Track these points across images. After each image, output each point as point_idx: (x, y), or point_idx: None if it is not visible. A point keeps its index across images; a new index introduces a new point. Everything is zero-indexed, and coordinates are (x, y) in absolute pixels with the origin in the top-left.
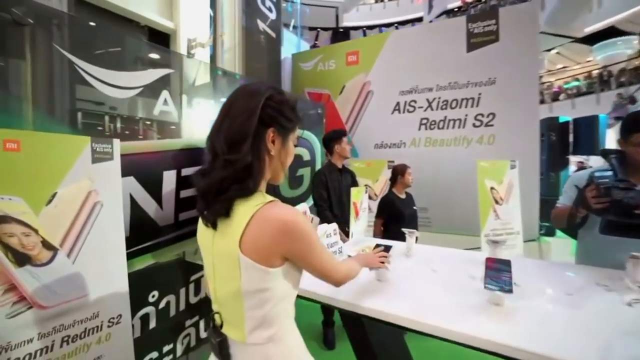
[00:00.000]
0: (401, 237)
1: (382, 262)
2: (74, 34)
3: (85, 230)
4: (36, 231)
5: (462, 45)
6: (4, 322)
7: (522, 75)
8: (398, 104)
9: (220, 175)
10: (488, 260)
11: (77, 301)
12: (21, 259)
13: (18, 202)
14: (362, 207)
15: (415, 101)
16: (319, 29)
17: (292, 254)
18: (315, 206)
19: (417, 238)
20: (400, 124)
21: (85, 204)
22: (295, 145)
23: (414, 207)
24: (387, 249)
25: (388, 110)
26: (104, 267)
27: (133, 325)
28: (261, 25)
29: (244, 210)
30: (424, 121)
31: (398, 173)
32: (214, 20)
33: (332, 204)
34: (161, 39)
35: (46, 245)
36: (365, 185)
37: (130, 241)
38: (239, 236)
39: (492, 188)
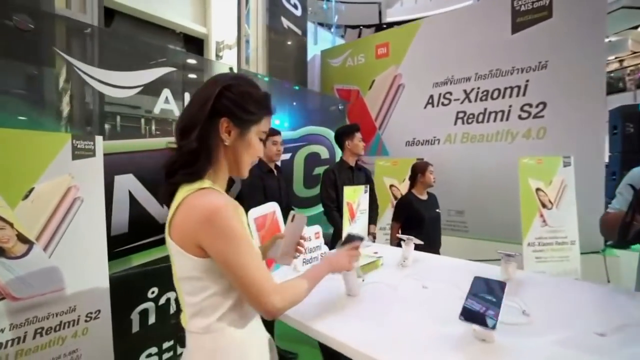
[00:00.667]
0: (423, 244)
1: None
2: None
3: (63, 225)
4: (11, 225)
5: (506, 26)
6: None
7: (583, 56)
8: (431, 97)
9: (171, 159)
10: (475, 280)
11: (52, 294)
12: None
13: None
14: (360, 208)
15: (450, 93)
16: (361, 27)
17: (209, 249)
18: (323, 206)
19: (439, 246)
20: (434, 118)
21: (64, 200)
22: (263, 140)
23: (437, 210)
24: (358, 240)
25: (420, 104)
26: (83, 263)
27: (131, 320)
28: (286, 22)
29: (179, 195)
30: (461, 115)
31: (418, 171)
32: (238, 21)
33: (340, 205)
34: (195, 44)
35: (21, 238)
36: (391, 185)
37: (129, 238)
38: (169, 220)
39: (538, 189)
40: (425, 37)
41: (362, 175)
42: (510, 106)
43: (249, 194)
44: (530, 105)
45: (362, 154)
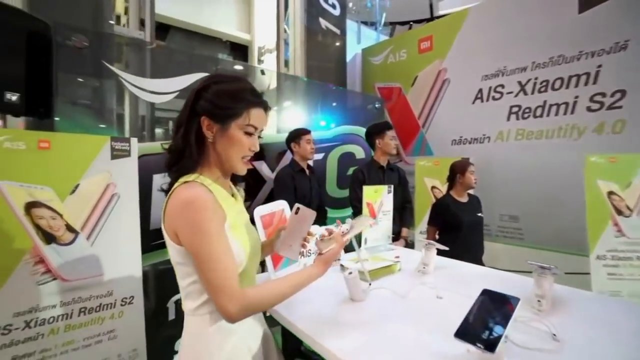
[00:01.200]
0: (460, 251)
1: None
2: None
3: (103, 218)
4: (61, 216)
5: (571, 4)
6: (35, 287)
7: None
8: (480, 91)
9: (168, 158)
10: (483, 293)
11: (93, 279)
12: (48, 238)
13: (47, 190)
14: (383, 209)
15: (502, 86)
16: (411, 22)
17: (181, 238)
18: (352, 208)
19: (481, 253)
20: (483, 114)
21: (104, 195)
22: (250, 134)
23: (479, 214)
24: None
25: (468, 99)
26: (119, 252)
27: (167, 308)
28: (324, 23)
29: (173, 189)
30: (515, 109)
31: (456, 172)
32: (277, 24)
33: None
34: (241, 51)
35: (69, 228)
36: (432, 186)
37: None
38: (163, 211)
39: (610, 193)
40: (473, 27)
41: (394, 176)
42: (576, 97)
43: (279, 192)
44: (604, 95)
45: (393, 154)
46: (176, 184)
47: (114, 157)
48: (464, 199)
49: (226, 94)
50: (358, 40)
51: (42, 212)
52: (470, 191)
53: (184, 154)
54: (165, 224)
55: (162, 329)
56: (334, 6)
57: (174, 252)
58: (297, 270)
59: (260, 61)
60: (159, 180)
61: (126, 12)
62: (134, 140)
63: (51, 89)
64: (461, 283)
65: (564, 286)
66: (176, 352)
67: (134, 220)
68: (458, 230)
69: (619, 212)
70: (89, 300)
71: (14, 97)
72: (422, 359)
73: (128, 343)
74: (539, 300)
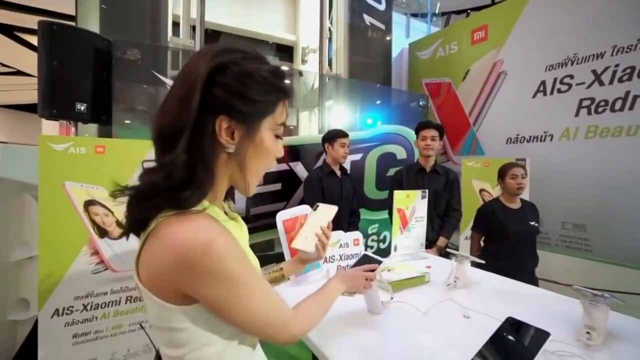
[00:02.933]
0: (508, 263)
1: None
2: None
3: None
4: (112, 213)
5: None
6: (90, 275)
7: None
8: (543, 83)
9: (151, 179)
10: (506, 322)
11: None
12: (102, 232)
13: (102, 190)
14: (416, 215)
15: (571, 76)
16: (468, 10)
17: (199, 296)
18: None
19: (533, 266)
20: (546, 109)
21: None
22: (279, 136)
23: (532, 223)
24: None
25: (528, 93)
26: None
27: None
28: (368, 19)
29: (153, 221)
30: (586, 102)
31: (499, 175)
32: (320, 23)
33: None
34: (286, 51)
35: (119, 224)
36: (481, 189)
37: None
38: (136, 257)
39: None
40: (537, 9)
41: (439, 179)
42: None
43: (306, 196)
44: None
45: (429, 155)
46: (160, 216)
47: None
48: (515, 205)
49: (256, 80)
50: (407, 34)
51: (97, 209)
52: (526, 197)
53: (193, 178)
54: (144, 277)
55: None
56: (379, 1)
57: (163, 314)
58: (324, 285)
59: (304, 61)
60: None
61: (179, 22)
62: None
63: (111, 99)
64: (496, 302)
65: (630, 317)
66: None
67: None
68: (504, 240)
69: None
70: (134, 289)
71: (82, 107)
72: None
73: None
74: (588, 332)
